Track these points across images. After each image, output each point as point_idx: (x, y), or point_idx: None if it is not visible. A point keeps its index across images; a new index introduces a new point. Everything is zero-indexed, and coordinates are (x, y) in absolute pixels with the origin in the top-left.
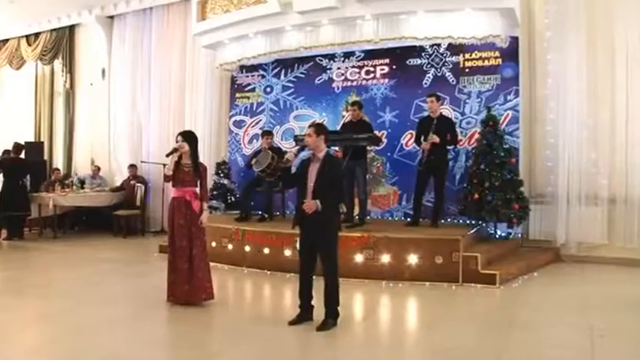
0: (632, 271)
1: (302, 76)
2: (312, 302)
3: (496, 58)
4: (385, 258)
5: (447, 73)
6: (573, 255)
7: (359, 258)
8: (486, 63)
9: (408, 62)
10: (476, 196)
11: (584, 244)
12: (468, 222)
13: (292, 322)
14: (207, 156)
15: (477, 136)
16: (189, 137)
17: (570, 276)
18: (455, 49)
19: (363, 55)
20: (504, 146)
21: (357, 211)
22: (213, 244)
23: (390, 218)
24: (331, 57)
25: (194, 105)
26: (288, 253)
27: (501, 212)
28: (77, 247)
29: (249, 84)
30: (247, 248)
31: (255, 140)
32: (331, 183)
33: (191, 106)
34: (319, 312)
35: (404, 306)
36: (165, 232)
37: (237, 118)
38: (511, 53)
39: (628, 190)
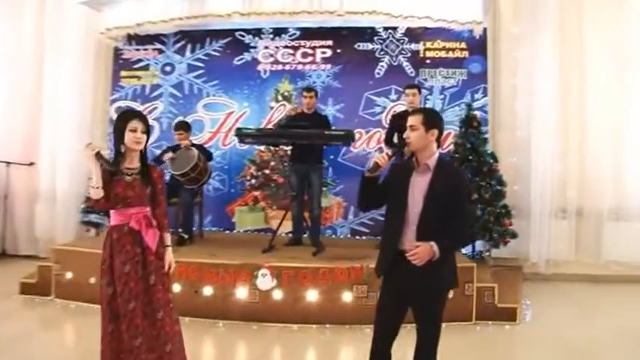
0: (613, 289)
1: (215, 54)
2: None
3: (462, 49)
4: None
5: (405, 63)
6: (539, 273)
7: (347, 297)
8: (450, 55)
9: (356, 46)
10: None
11: (550, 261)
12: None
13: None
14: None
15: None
16: (147, 124)
17: (568, 300)
18: (414, 35)
19: (298, 33)
20: (488, 151)
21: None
22: None
23: (334, 236)
24: (257, 33)
25: (57, 84)
26: (242, 294)
27: (494, 230)
28: None
29: (139, 60)
30: (177, 288)
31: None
32: (453, 211)
33: (53, 85)
34: None
35: None
36: (7, 256)
37: (122, 103)
38: (479, 45)
39: (595, 201)
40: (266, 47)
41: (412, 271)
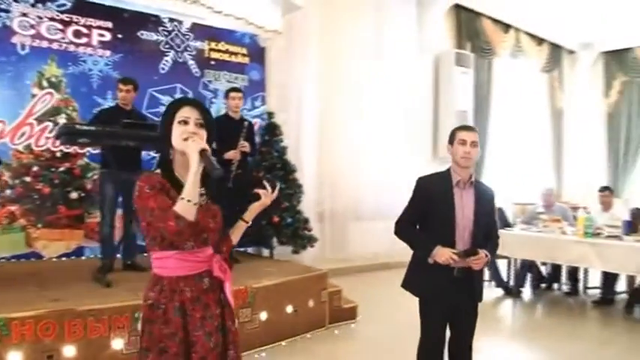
0: (358, 278)
1: None
2: None
3: (243, 55)
4: (263, 315)
5: (190, 61)
6: None
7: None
8: (233, 59)
9: (140, 34)
10: (276, 218)
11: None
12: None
13: None
14: None
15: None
16: (206, 113)
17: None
18: (199, 32)
19: (69, 4)
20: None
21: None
22: None
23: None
24: None
25: None
26: (118, 345)
27: (301, 235)
28: None
29: None
30: (18, 356)
31: None
32: (490, 228)
33: None
34: None
35: None
36: None
37: None
38: (258, 54)
39: (341, 205)
40: (24, 14)
41: (457, 284)
